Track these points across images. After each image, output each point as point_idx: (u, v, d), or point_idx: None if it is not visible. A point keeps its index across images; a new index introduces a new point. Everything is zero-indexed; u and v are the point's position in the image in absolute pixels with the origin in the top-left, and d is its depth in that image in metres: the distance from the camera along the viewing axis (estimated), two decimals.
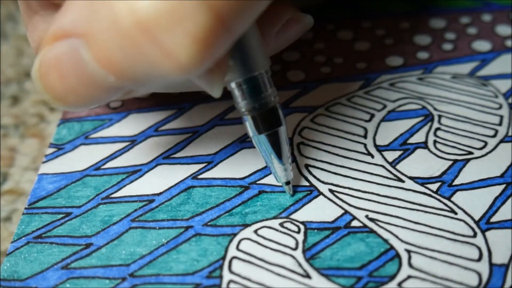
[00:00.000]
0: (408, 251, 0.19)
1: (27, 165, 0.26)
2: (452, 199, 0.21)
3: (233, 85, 0.19)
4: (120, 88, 0.16)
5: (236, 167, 0.22)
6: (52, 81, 0.16)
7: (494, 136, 0.23)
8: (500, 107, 0.24)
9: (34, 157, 0.26)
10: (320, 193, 0.21)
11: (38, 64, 0.16)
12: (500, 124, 0.24)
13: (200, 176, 0.22)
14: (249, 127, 0.20)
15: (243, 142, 0.23)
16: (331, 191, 0.21)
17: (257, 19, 0.17)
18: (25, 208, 0.22)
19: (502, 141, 0.23)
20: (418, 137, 0.23)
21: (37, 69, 0.16)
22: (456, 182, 0.21)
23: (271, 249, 0.20)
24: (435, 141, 0.23)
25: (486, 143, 0.23)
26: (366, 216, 0.20)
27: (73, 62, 0.15)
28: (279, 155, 0.20)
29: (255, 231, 0.20)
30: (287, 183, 0.21)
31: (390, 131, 0.23)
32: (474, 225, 0.20)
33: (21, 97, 0.28)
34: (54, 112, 0.28)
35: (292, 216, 0.21)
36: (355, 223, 0.20)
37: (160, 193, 0.22)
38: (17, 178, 0.25)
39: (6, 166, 0.25)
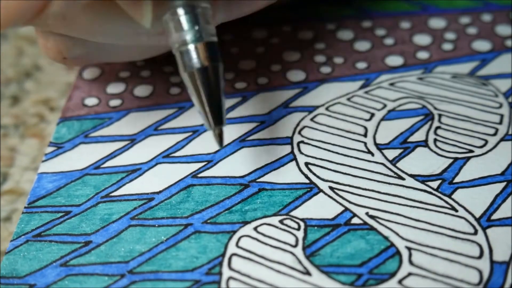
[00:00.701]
0: (409, 249, 0.19)
1: (27, 165, 0.26)
2: (453, 196, 0.21)
3: (169, 16, 0.18)
4: None
5: (236, 166, 0.22)
6: None
7: (495, 134, 0.23)
8: (501, 106, 0.24)
9: (34, 157, 0.26)
10: (320, 191, 0.21)
11: None
12: (500, 122, 0.23)
13: (200, 175, 0.22)
14: (185, 59, 0.18)
15: (243, 141, 0.23)
16: (331, 188, 0.21)
17: None
18: (25, 207, 0.21)
19: (502, 139, 0.23)
20: (419, 136, 0.23)
21: None
22: (457, 179, 0.21)
23: (271, 246, 0.20)
24: (435, 140, 0.23)
25: (486, 142, 0.23)
26: (367, 214, 0.20)
27: None
28: (215, 94, 0.19)
29: (255, 228, 0.20)
30: (219, 133, 0.19)
31: (390, 130, 0.23)
32: (475, 223, 0.20)
33: (21, 97, 0.28)
34: (54, 112, 0.28)
35: (292, 213, 0.21)
36: (355, 220, 0.20)
37: (160, 192, 0.22)
38: (17, 178, 0.25)
39: (6, 166, 0.25)
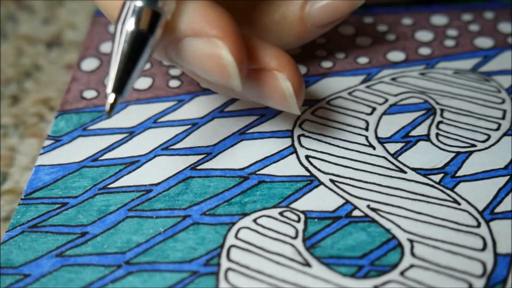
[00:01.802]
0: (411, 241, 0.19)
1: (27, 165, 0.25)
2: (456, 190, 0.20)
3: None
4: None
5: (236, 159, 0.22)
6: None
7: (497, 129, 0.23)
8: (503, 101, 0.24)
9: (33, 156, 0.26)
10: (321, 183, 0.21)
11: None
12: (503, 118, 0.23)
13: (199, 167, 0.22)
14: (120, 12, 0.18)
15: (243, 134, 0.23)
16: (332, 181, 0.21)
17: None
18: (21, 199, 0.21)
19: (505, 134, 0.23)
20: (420, 130, 0.23)
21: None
22: (459, 173, 0.21)
23: (271, 237, 0.19)
24: (437, 134, 0.23)
25: (489, 136, 0.22)
26: (368, 206, 0.20)
27: None
28: (129, 61, 0.17)
29: (254, 220, 0.20)
30: (114, 99, 0.18)
31: (392, 124, 0.23)
32: (478, 216, 0.20)
33: (21, 97, 0.28)
34: (54, 112, 0.27)
35: (292, 206, 0.20)
36: (356, 213, 0.20)
37: (158, 184, 0.21)
38: (16, 178, 0.25)
39: (6, 166, 0.25)
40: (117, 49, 0.18)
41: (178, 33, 0.19)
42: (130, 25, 0.18)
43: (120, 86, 0.18)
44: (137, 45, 0.17)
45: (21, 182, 0.25)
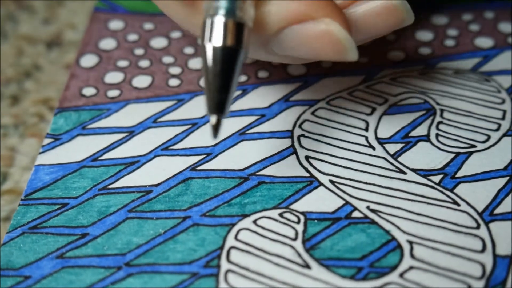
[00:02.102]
0: (410, 242, 0.19)
1: (27, 165, 0.25)
2: (455, 191, 0.21)
3: None
4: None
5: (235, 159, 0.22)
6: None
7: (497, 130, 0.23)
8: (503, 102, 0.24)
9: (33, 157, 0.26)
10: (321, 184, 0.21)
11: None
12: (503, 118, 0.23)
13: (198, 168, 0.22)
14: (206, 33, 0.17)
15: (243, 134, 0.23)
16: (331, 182, 0.21)
17: None
18: (21, 199, 0.21)
19: (505, 134, 0.23)
20: (420, 131, 0.23)
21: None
22: (459, 174, 0.21)
23: (270, 239, 0.19)
24: (437, 135, 0.23)
25: (489, 137, 0.22)
26: (368, 207, 0.20)
27: None
28: (224, 79, 0.17)
29: (254, 221, 0.20)
30: (217, 121, 0.18)
31: (392, 125, 0.23)
32: (477, 217, 0.20)
33: (21, 97, 0.28)
34: (54, 112, 0.27)
35: (292, 207, 0.20)
36: (356, 214, 0.20)
37: (158, 184, 0.21)
38: (16, 178, 0.25)
39: (6, 166, 0.25)
40: (209, 68, 0.17)
41: (278, 25, 0.18)
42: (216, 42, 0.17)
43: (220, 106, 0.17)
44: (228, 61, 0.17)
45: (21, 182, 0.25)
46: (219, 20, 0.17)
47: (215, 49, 0.17)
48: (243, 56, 0.17)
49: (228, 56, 0.17)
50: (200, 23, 0.17)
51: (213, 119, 0.18)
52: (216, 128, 0.18)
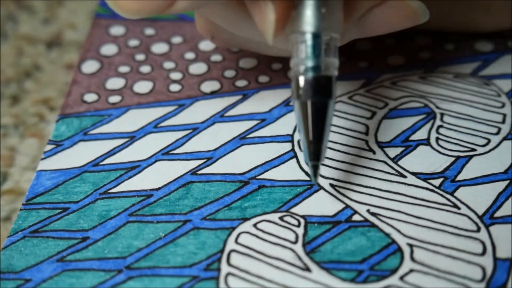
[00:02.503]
0: (411, 245, 0.19)
1: (27, 165, 0.25)
2: (455, 194, 0.21)
3: (296, 38, 0.18)
4: None
5: (236, 163, 0.22)
6: None
7: (497, 133, 0.23)
8: (503, 105, 0.24)
9: (33, 157, 0.26)
10: (321, 188, 0.21)
11: None
12: (503, 122, 0.23)
13: (199, 172, 0.22)
14: (293, 88, 0.18)
15: (243, 139, 0.23)
16: (332, 185, 0.21)
17: None
18: (23, 204, 0.21)
19: (505, 138, 0.23)
20: (420, 134, 0.23)
21: None
22: (459, 178, 0.21)
23: (271, 242, 0.19)
24: (437, 138, 0.23)
25: (489, 141, 0.23)
26: (368, 211, 0.20)
27: None
28: (317, 130, 0.18)
29: (255, 225, 0.20)
30: (315, 167, 0.19)
31: (392, 129, 0.23)
32: (477, 220, 0.20)
33: (21, 97, 0.28)
34: (54, 112, 0.27)
35: (292, 210, 0.20)
36: (356, 217, 0.20)
37: (159, 188, 0.21)
38: (16, 178, 0.25)
39: (6, 166, 0.25)
40: (303, 121, 0.18)
41: (362, 12, 0.19)
42: (305, 98, 0.18)
43: (317, 154, 0.19)
44: (320, 113, 0.18)
45: (21, 182, 0.25)
46: (308, 77, 0.18)
47: (303, 104, 0.18)
48: (332, 106, 0.18)
49: (318, 109, 0.18)
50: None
51: (310, 165, 0.19)
52: (315, 173, 0.20)
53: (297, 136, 0.23)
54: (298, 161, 0.22)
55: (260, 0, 0.17)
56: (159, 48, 0.27)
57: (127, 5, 0.18)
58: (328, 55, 0.18)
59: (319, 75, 0.18)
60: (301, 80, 0.18)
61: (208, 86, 0.25)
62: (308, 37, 0.18)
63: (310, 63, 0.18)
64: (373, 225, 0.20)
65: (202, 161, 0.22)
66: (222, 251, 0.19)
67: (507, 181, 0.21)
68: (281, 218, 0.20)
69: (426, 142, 0.23)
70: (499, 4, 0.23)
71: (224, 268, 0.19)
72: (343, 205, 0.20)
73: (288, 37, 0.18)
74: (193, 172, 0.22)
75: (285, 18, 0.17)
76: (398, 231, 0.19)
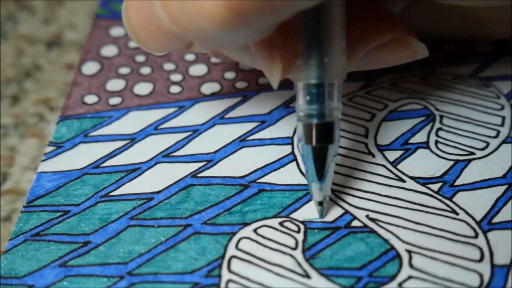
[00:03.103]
0: (409, 252, 0.19)
1: (27, 165, 0.25)
2: (454, 199, 0.21)
3: (299, 85, 0.19)
4: (180, 36, 0.17)
5: (236, 166, 0.22)
6: (136, 30, 0.18)
7: (496, 136, 0.23)
8: (502, 108, 0.24)
9: (33, 156, 0.26)
10: None
11: (124, 9, 0.19)
12: (502, 125, 0.23)
13: (199, 175, 0.22)
14: (299, 133, 0.19)
15: (243, 141, 0.23)
16: (331, 190, 0.21)
17: (348, 27, 0.18)
18: (24, 206, 0.21)
19: (504, 142, 0.23)
20: (420, 137, 0.23)
21: (124, 13, 0.19)
22: (458, 182, 0.21)
23: (271, 248, 0.19)
24: (436, 141, 0.23)
25: (488, 144, 0.23)
26: (367, 216, 0.20)
27: (148, 10, 0.18)
28: (318, 172, 0.19)
29: (255, 230, 0.20)
30: (320, 203, 0.20)
31: (392, 131, 0.23)
32: (475, 226, 0.20)
33: (21, 97, 0.28)
34: (54, 112, 0.27)
35: (292, 215, 0.20)
36: (355, 223, 0.20)
37: (159, 191, 0.22)
38: (16, 178, 0.25)
39: (6, 166, 0.25)
40: (307, 165, 0.19)
41: (364, 52, 0.20)
42: (305, 141, 0.19)
43: (316, 195, 0.20)
44: (321, 157, 0.19)
45: (21, 182, 0.25)
46: (311, 124, 0.19)
47: (305, 147, 0.19)
48: (334, 150, 0.19)
49: (319, 154, 0.19)
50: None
51: (319, 207, 0.20)
52: (321, 210, 0.20)
53: (297, 139, 0.23)
54: (298, 165, 0.22)
55: (266, 48, 0.18)
56: None
57: (145, 41, 0.19)
58: (331, 100, 0.19)
59: (322, 122, 0.19)
60: (305, 127, 0.19)
61: (208, 88, 0.25)
62: (313, 86, 0.18)
63: (314, 111, 0.19)
64: (372, 231, 0.20)
65: (202, 163, 0.22)
66: (222, 257, 0.19)
67: (506, 186, 0.21)
68: (281, 224, 0.20)
69: (425, 145, 0.23)
70: (498, 16, 0.23)
71: (225, 275, 0.19)
72: (343, 211, 0.20)
73: (296, 80, 0.19)
74: (194, 175, 0.22)
75: (290, 67, 0.18)
76: (397, 237, 0.20)
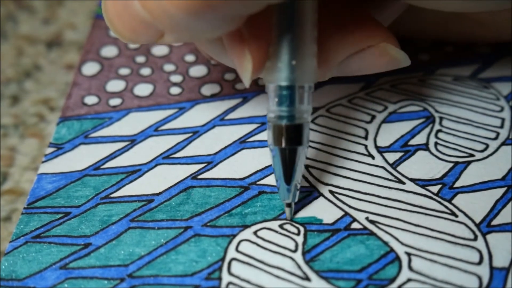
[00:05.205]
0: (408, 254, 0.19)
1: (27, 165, 0.25)
2: (453, 201, 0.21)
3: (270, 87, 0.19)
4: (152, 25, 0.18)
5: (236, 168, 0.22)
6: (112, 18, 0.19)
7: (496, 138, 0.23)
8: (502, 109, 0.24)
9: (33, 157, 0.26)
10: (320, 194, 0.21)
11: (103, 2, 0.19)
12: (501, 126, 0.23)
13: (199, 176, 0.22)
14: (269, 134, 0.19)
15: (244, 143, 0.23)
16: (331, 192, 0.21)
17: (327, 31, 0.18)
18: (24, 208, 0.21)
19: (503, 143, 0.23)
20: (419, 139, 0.23)
21: (102, 4, 0.19)
22: (457, 184, 0.21)
23: (271, 251, 0.20)
24: (436, 143, 0.23)
25: (487, 146, 0.23)
26: (367, 218, 0.20)
27: (124, 2, 0.18)
28: (286, 174, 0.19)
29: (255, 233, 0.20)
30: (288, 205, 0.20)
31: (391, 133, 0.23)
32: (474, 228, 0.20)
33: (21, 97, 0.28)
34: (54, 112, 0.27)
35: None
36: (355, 225, 0.20)
37: (160, 193, 0.22)
38: (16, 178, 0.25)
39: (6, 166, 0.25)
40: (276, 166, 0.20)
41: (342, 58, 0.20)
42: (274, 143, 0.19)
43: (283, 195, 0.20)
44: (290, 159, 0.19)
45: (21, 182, 0.25)
46: (280, 126, 0.19)
47: (274, 149, 0.19)
48: (303, 151, 0.19)
49: (288, 156, 0.19)
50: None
51: (288, 209, 0.20)
52: (290, 211, 0.20)
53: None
54: None
55: (238, 46, 0.18)
56: (160, 50, 0.27)
57: (120, 29, 0.19)
58: (301, 102, 0.19)
59: (291, 124, 0.19)
60: (275, 128, 0.19)
61: (209, 89, 0.25)
62: (282, 88, 0.19)
63: (283, 113, 0.19)
64: (372, 233, 0.20)
65: (203, 165, 0.22)
66: (223, 259, 0.19)
67: (505, 188, 0.21)
68: (281, 226, 0.20)
69: (425, 147, 0.23)
70: (497, 19, 0.23)
71: (225, 277, 0.19)
72: (342, 213, 0.21)
73: (267, 82, 0.19)
74: (194, 176, 0.22)
75: (260, 67, 0.18)
76: (397, 239, 0.20)
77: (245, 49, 0.18)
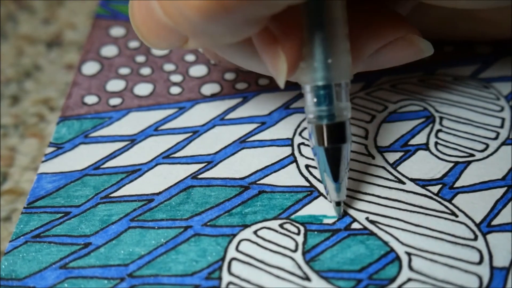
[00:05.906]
0: (409, 254, 0.19)
1: (27, 165, 0.25)
2: (453, 201, 0.21)
3: (307, 87, 0.19)
4: (175, 30, 0.18)
5: (236, 167, 0.22)
6: (138, 24, 0.19)
7: (496, 138, 0.23)
8: (502, 109, 0.24)
9: (33, 157, 0.26)
10: (321, 194, 0.21)
11: (129, 6, 0.19)
12: (501, 126, 0.23)
13: (200, 176, 0.22)
14: (311, 136, 0.19)
15: (244, 142, 0.23)
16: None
17: (355, 27, 0.18)
18: (24, 208, 0.21)
19: (503, 143, 0.23)
20: (420, 139, 0.23)
21: (129, 11, 0.19)
22: (457, 184, 0.21)
23: (271, 250, 0.20)
24: (436, 143, 0.23)
25: (487, 146, 0.23)
26: (367, 218, 0.20)
27: (147, 5, 0.18)
28: (333, 173, 0.19)
29: (255, 232, 0.20)
30: (337, 203, 0.20)
31: (391, 133, 0.23)
32: (475, 228, 0.20)
33: (21, 97, 0.28)
34: (54, 112, 0.27)
35: (292, 217, 0.20)
36: (355, 225, 0.20)
37: (160, 193, 0.22)
38: (16, 178, 0.25)
39: (6, 166, 0.25)
40: (322, 167, 0.19)
41: (372, 52, 0.20)
42: (317, 143, 0.19)
43: (333, 194, 0.20)
44: (333, 158, 0.19)
45: (21, 182, 0.25)
46: (322, 125, 0.19)
47: (317, 149, 0.19)
48: (347, 148, 0.19)
49: (333, 154, 0.19)
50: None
51: (337, 207, 0.20)
52: (339, 210, 0.20)
53: (297, 140, 0.23)
54: (298, 166, 0.22)
55: (271, 47, 0.18)
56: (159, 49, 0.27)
57: (146, 35, 0.19)
58: (340, 100, 0.19)
59: (336, 122, 0.19)
60: (316, 128, 0.19)
61: (209, 89, 0.25)
62: (320, 88, 0.18)
63: (323, 112, 0.19)
64: (372, 233, 0.20)
65: (203, 165, 0.22)
66: (223, 259, 0.19)
67: (505, 188, 0.21)
68: (281, 226, 0.20)
69: (425, 147, 0.23)
70: (498, 16, 0.23)
71: (225, 277, 0.19)
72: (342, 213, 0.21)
73: (303, 83, 0.19)
74: (194, 176, 0.22)
75: (295, 67, 0.18)
76: (397, 239, 0.20)
77: (279, 50, 0.18)
